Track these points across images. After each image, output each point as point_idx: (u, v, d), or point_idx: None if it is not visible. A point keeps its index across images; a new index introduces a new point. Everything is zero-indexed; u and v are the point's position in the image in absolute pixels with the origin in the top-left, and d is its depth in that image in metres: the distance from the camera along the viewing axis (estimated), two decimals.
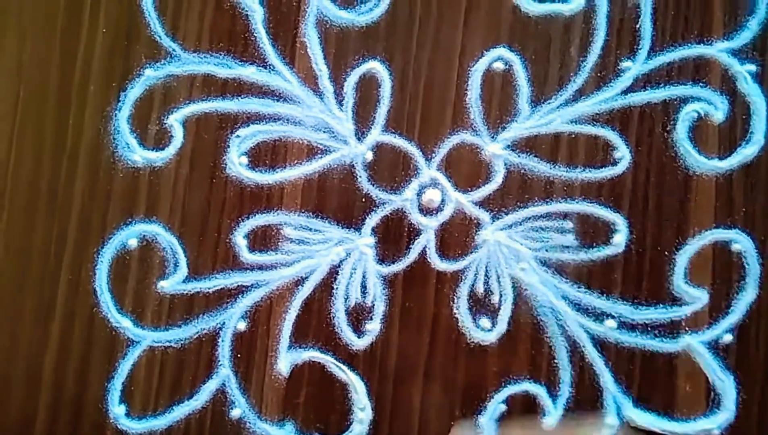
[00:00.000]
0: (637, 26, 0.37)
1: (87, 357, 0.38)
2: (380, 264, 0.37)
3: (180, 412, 0.37)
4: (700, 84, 0.37)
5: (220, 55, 0.38)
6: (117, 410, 0.37)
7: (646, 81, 0.37)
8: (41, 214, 0.38)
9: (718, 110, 0.37)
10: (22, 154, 0.39)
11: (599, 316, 0.36)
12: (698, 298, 0.36)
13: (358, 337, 0.37)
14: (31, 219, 0.38)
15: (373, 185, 0.38)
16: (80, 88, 0.39)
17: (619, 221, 0.37)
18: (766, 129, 0.37)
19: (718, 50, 0.37)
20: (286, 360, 0.37)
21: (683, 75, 0.37)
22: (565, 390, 0.36)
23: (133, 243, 0.38)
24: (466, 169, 0.38)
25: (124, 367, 0.37)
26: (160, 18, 0.39)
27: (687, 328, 0.36)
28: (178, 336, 0.37)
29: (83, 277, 0.38)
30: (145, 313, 0.38)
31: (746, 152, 0.37)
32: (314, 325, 0.37)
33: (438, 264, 0.37)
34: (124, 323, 0.38)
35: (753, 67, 0.37)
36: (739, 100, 0.37)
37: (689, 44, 0.37)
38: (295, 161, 0.38)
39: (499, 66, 0.38)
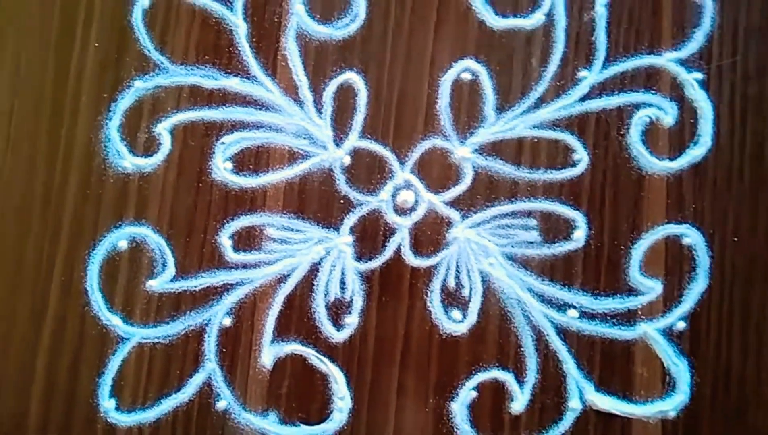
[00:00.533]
0: (593, 38, 0.39)
1: (78, 354, 0.38)
2: (358, 261, 0.38)
3: (168, 405, 0.38)
4: (651, 91, 0.38)
5: (206, 67, 0.39)
6: (107, 404, 0.38)
7: (601, 89, 0.38)
8: (35, 218, 0.39)
9: (668, 115, 0.38)
10: (17, 161, 0.39)
11: (562, 307, 0.37)
12: (653, 288, 0.37)
13: (338, 331, 0.38)
14: (26, 222, 0.39)
15: (351, 187, 0.39)
16: (73, 98, 0.39)
17: (579, 218, 0.38)
18: (713, 132, 0.38)
19: (667, 60, 0.38)
20: (269, 353, 0.38)
21: (635, 83, 0.38)
22: (532, 376, 0.37)
23: (123, 244, 0.38)
24: (437, 172, 0.39)
25: (114, 363, 0.38)
26: (149, 33, 0.40)
27: (643, 317, 0.37)
28: (166, 332, 0.38)
29: (75, 278, 0.38)
30: (134, 311, 0.38)
31: (694, 153, 0.38)
32: (296, 319, 0.38)
33: (412, 260, 0.38)
34: (114, 321, 0.38)
35: (699, 75, 0.38)
36: (687, 106, 0.38)
37: (641, 54, 0.38)
38: (277, 166, 0.39)
39: (466, 76, 0.39)
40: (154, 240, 0.39)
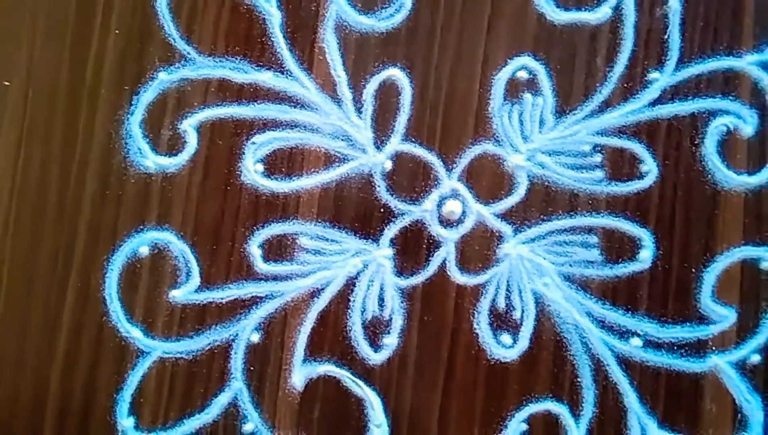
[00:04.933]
0: (665, 37, 0.35)
1: (95, 367, 0.35)
2: (398, 276, 0.35)
3: (190, 425, 0.35)
4: (730, 97, 0.35)
5: (236, 59, 0.36)
6: (126, 423, 0.35)
7: (673, 93, 0.35)
8: (50, 220, 0.36)
9: (747, 124, 0.34)
10: (30, 158, 0.36)
11: (624, 334, 0.34)
12: (726, 317, 0.34)
13: (375, 352, 0.35)
14: (40, 224, 0.36)
15: (392, 195, 0.35)
16: (91, 90, 0.36)
17: (646, 237, 0.34)
18: None
19: (747, 63, 0.35)
20: (300, 374, 0.35)
21: (712, 88, 0.35)
22: (588, 409, 0.34)
23: (144, 251, 0.35)
24: (487, 181, 0.35)
25: (134, 379, 0.35)
26: (175, 20, 0.36)
27: (714, 348, 0.34)
28: (189, 347, 0.35)
29: (92, 285, 0.35)
30: (155, 323, 0.35)
31: None
32: (330, 338, 0.35)
33: (458, 277, 0.35)
34: (134, 333, 0.35)
35: None
36: None
37: (718, 56, 0.35)
38: (312, 169, 0.36)
39: (522, 75, 0.35)
40: (178, 247, 0.35)
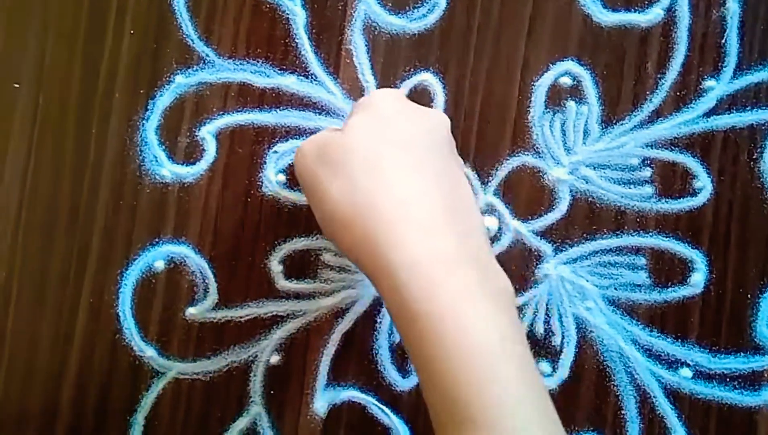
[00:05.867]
0: (723, 41, 0.34)
1: (108, 388, 0.34)
2: None
3: None
4: None
5: (258, 62, 0.35)
6: None
7: (731, 103, 0.34)
8: (60, 232, 0.35)
9: None
10: (41, 166, 0.35)
11: (673, 364, 0.33)
12: None
13: (403, 377, 0.34)
14: (50, 237, 0.35)
15: None
16: (105, 94, 0.35)
17: (698, 259, 0.34)
18: None
19: None
20: (323, 399, 0.34)
21: None
22: None
23: (159, 265, 0.34)
24: (526, 195, 0.34)
25: (148, 400, 0.34)
26: (193, 20, 0.35)
27: None
28: (206, 368, 0.34)
29: (105, 301, 0.34)
30: (171, 342, 0.34)
31: None
32: (355, 361, 0.34)
33: None
34: (149, 352, 0.34)
35: None
36: None
37: None
38: None
39: (566, 81, 0.34)
40: (195, 261, 0.34)
